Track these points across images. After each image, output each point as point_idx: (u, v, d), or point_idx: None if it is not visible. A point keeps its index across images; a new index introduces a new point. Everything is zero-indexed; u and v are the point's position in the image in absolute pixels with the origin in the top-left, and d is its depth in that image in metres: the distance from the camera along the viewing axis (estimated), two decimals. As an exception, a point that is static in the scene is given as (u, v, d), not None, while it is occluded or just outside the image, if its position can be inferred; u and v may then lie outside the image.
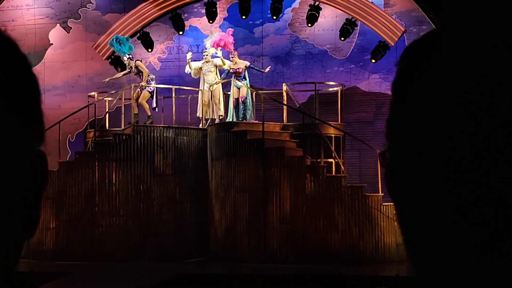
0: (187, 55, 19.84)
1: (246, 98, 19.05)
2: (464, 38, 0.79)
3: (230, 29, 20.23)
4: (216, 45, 19.58)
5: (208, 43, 19.78)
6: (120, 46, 19.85)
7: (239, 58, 19.43)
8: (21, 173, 0.89)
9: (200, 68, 19.51)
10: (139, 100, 19.52)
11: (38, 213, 0.93)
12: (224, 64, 19.27)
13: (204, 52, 19.68)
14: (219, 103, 19.33)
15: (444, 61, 0.78)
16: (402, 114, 0.81)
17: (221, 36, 19.76)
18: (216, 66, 19.42)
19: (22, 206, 0.90)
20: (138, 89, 19.56)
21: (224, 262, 17.11)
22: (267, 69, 19.81)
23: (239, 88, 19.00)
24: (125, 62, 19.93)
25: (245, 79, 19.12)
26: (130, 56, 19.74)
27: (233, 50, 19.46)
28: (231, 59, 19.21)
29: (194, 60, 20.12)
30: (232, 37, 19.77)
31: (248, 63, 19.31)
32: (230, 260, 17.16)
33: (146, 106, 19.51)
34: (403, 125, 0.81)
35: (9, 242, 0.89)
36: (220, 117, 19.28)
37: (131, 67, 19.59)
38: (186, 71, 19.98)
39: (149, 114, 19.48)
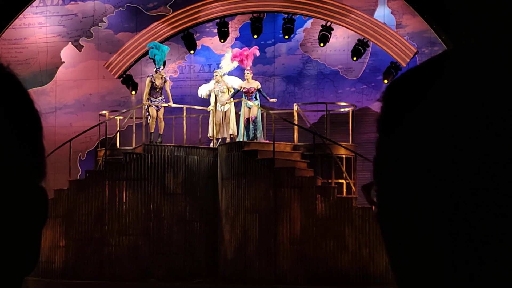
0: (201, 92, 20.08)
1: (256, 117, 19.05)
2: (465, 70, 0.79)
3: (256, 47, 20.27)
4: (234, 57, 19.69)
5: (223, 62, 19.88)
6: (159, 52, 19.87)
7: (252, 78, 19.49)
8: (21, 209, 0.89)
9: (212, 90, 19.60)
10: (161, 116, 19.49)
11: (38, 249, 0.93)
12: (231, 89, 19.38)
13: (215, 72, 19.73)
14: (231, 122, 19.33)
15: (440, 93, 0.78)
16: (391, 149, 0.81)
17: (242, 51, 19.84)
18: (227, 87, 19.44)
19: (22, 242, 0.90)
20: (153, 107, 19.44)
21: (234, 283, 17.04)
22: (273, 100, 19.73)
23: (250, 108, 19.01)
24: (160, 72, 19.58)
25: (256, 99, 19.12)
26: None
27: (249, 68, 19.48)
28: (245, 76, 19.23)
29: (206, 80, 20.24)
30: (253, 56, 19.84)
31: (259, 86, 19.29)
32: (240, 281, 17.08)
33: (163, 124, 19.51)
34: (393, 159, 0.80)
35: (8, 278, 0.89)
36: (231, 136, 19.26)
37: (153, 79, 19.37)
38: (199, 95, 20.06)
39: (162, 132, 19.50)
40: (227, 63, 19.86)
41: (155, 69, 19.67)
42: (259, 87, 19.27)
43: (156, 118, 19.49)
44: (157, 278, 17.88)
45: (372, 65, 22.06)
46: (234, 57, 19.83)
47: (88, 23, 23.65)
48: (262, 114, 19.43)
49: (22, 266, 0.90)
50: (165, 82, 19.51)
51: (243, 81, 19.35)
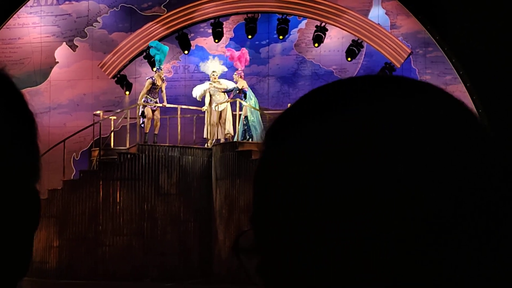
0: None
1: (246, 117, 19.12)
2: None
3: (243, 48, 20.48)
4: (232, 58, 19.89)
5: (206, 65, 20.10)
6: (159, 52, 20.01)
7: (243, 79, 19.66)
8: (13, 211, 0.88)
9: (207, 90, 19.67)
10: (158, 116, 19.56)
11: (30, 253, 0.92)
12: (228, 87, 19.52)
13: (213, 72, 19.77)
14: (226, 123, 19.35)
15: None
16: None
17: (238, 53, 20.08)
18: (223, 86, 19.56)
19: (13, 245, 0.89)
20: (149, 107, 19.51)
21: (228, 283, 17.03)
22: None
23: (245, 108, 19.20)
24: (160, 72, 19.77)
25: (245, 98, 19.25)
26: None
27: (239, 70, 19.60)
28: (234, 77, 19.39)
29: (200, 80, 20.29)
30: (244, 58, 20.03)
31: (244, 86, 19.44)
32: (234, 281, 17.06)
33: (159, 124, 19.59)
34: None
35: (1, 282, 0.88)
36: (226, 137, 19.28)
37: (153, 79, 19.49)
38: (194, 95, 20.14)
39: (157, 132, 19.57)
40: (213, 67, 20.01)
41: (155, 70, 19.78)
42: (244, 87, 19.39)
43: (153, 118, 19.53)
44: (151, 278, 17.86)
45: (366, 66, 22.06)
46: (231, 59, 20.09)
47: (82, 23, 23.61)
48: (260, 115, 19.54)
49: (14, 269, 0.89)
50: (162, 82, 19.62)
51: (234, 82, 19.58)
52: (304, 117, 0.82)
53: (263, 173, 0.84)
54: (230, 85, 19.60)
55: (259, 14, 22.40)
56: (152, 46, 20.40)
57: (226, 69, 20.19)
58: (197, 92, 20.00)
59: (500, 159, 0.79)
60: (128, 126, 19.41)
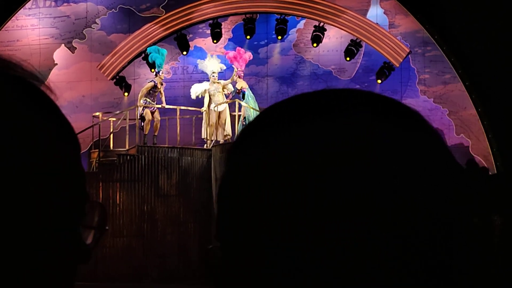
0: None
1: (245, 117, 19.17)
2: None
3: (239, 48, 20.51)
4: (231, 61, 19.97)
5: (204, 63, 20.12)
6: (159, 55, 20.16)
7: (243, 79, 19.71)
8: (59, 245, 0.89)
9: (206, 90, 19.70)
10: (158, 117, 19.64)
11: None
12: (229, 87, 19.58)
13: (213, 73, 19.78)
14: (225, 124, 19.37)
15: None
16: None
17: (235, 53, 20.14)
18: (223, 87, 19.55)
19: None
20: (148, 109, 19.59)
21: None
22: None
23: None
24: (161, 75, 19.99)
25: (244, 99, 19.29)
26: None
27: (238, 70, 19.64)
28: (235, 78, 19.43)
29: (199, 80, 20.33)
30: (243, 57, 20.08)
31: (243, 86, 19.50)
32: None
33: (159, 125, 19.66)
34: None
35: None
36: (226, 137, 19.29)
37: (155, 83, 19.63)
38: (192, 93, 20.16)
39: (156, 134, 19.64)
40: (212, 65, 20.02)
41: (155, 72, 19.93)
42: (243, 87, 19.44)
43: (152, 119, 19.57)
44: (151, 279, 17.87)
45: (365, 65, 22.07)
46: (229, 58, 20.14)
47: (81, 24, 23.60)
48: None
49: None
50: (161, 85, 19.74)
51: (232, 81, 19.64)
52: (272, 129, 0.82)
53: (229, 187, 0.83)
54: (230, 85, 19.64)
55: (258, 15, 22.41)
56: (151, 52, 20.53)
57: (224, 67, 20.19)
58: (196, 90, 19.94)
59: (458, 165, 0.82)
60: (127, 128, 19.41)
